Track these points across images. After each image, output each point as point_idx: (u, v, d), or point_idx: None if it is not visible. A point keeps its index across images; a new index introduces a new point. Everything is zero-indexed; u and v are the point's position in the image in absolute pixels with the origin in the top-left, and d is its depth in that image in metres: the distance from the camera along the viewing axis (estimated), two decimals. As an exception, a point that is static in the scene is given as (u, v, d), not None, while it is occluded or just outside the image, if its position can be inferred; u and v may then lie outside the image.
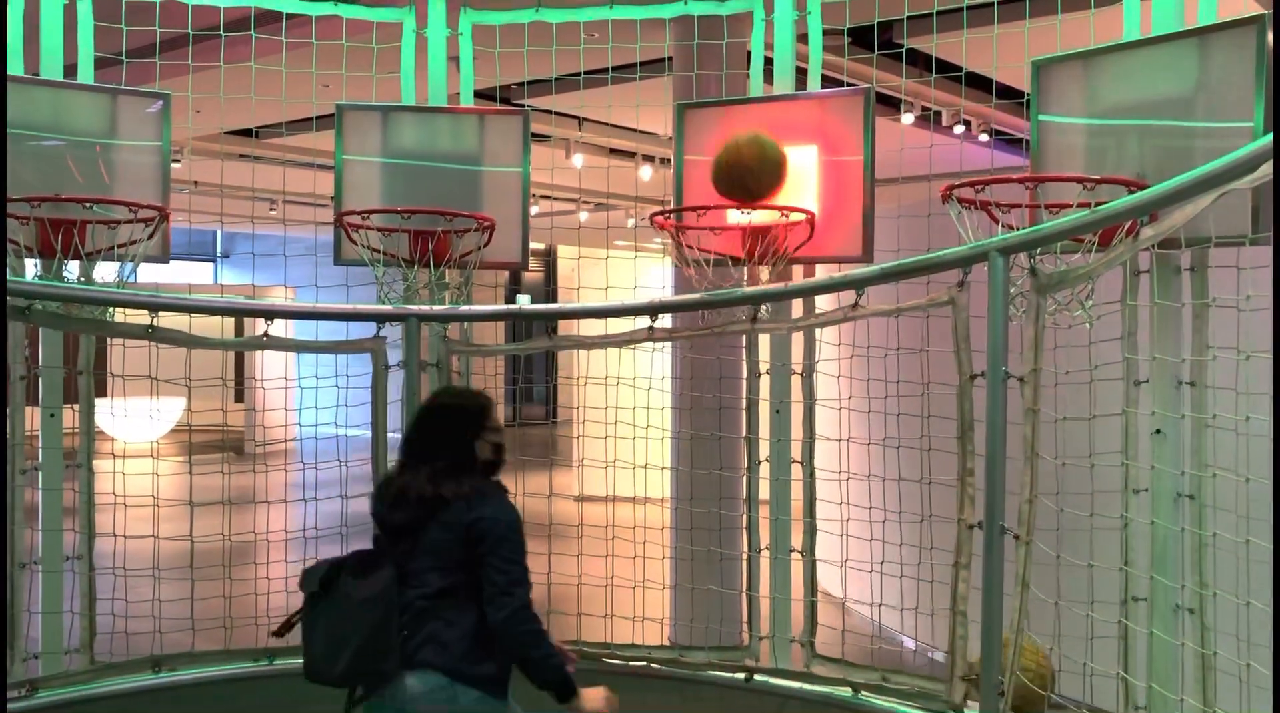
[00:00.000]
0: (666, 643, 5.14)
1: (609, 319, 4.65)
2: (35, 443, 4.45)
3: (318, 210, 6.98)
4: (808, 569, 4.52)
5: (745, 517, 4.65)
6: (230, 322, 11.37)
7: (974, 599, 3.52)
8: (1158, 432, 3.73)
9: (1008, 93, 6.63)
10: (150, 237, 4.38)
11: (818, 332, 4.50)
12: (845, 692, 4.27)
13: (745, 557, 4.65)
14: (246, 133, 10.51)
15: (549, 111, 9.07)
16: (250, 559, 5.17)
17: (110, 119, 4.65)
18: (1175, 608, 3.71)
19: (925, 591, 4.24)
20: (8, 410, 4.28)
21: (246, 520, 5.18)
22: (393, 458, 4.46)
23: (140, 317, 4.24)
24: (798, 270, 4.66)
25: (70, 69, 4.63)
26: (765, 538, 4.61)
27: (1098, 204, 3.25)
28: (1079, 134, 3.98)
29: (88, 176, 4.49)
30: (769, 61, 4.79)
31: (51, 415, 4.43)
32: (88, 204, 4.22)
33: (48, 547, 4.42)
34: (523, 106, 5.69)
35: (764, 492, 4.63)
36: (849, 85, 4.76)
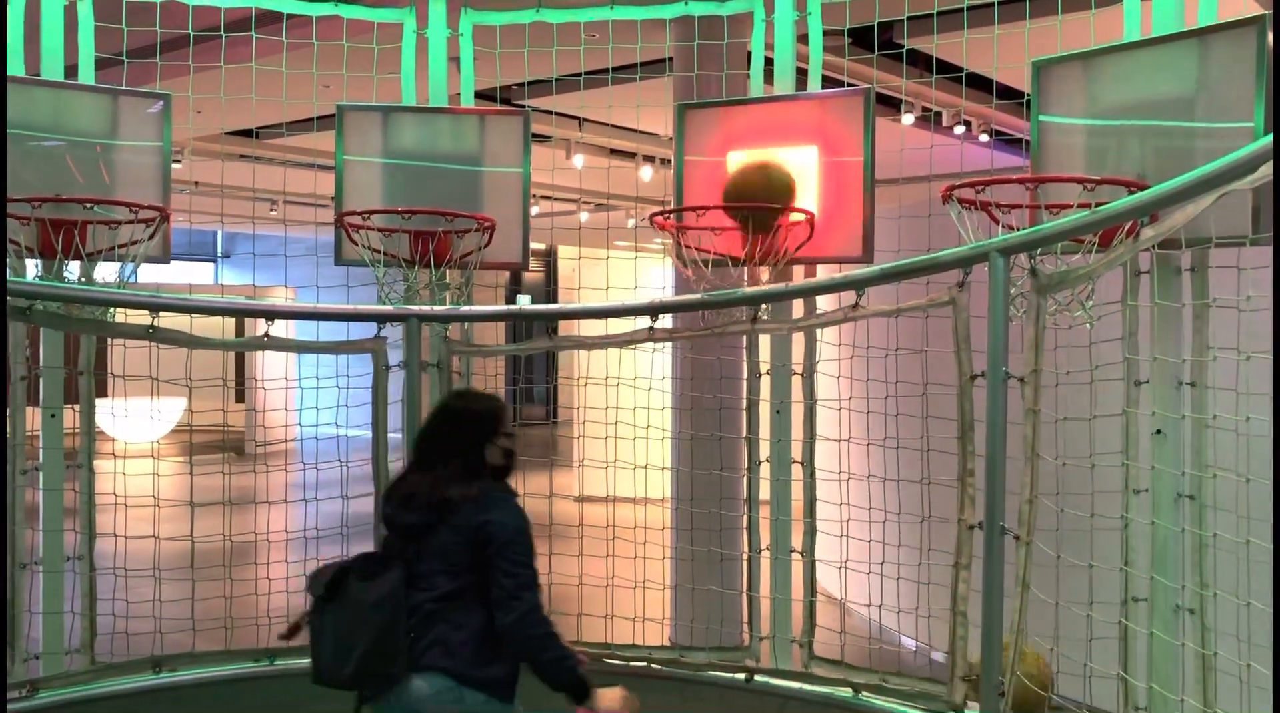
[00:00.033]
0: (667, 643, 5.14)
1: (609, 320, 4.65)
2: (36, 443, 4.46)
3: (318, 211, 6.98)
4: (807, 570, 4.52)
5: (745, 517, 4.65)
6: (231, 322, 11.39)
7: (974, 600, 3.53)
8: (1158, 432, 3.73)
9: (1008, 93, 6.63)
10: (151, 237, 4.38)
11: (818, 332, 4.50)
12: (846, 692, 4.27)
13: (745, 557, 4.65)
14: (247, 133, 10.51)
15: (549, 112, 9.08)
16: (251, 560, 5.17)
17: (111, 119, 4.65)
18: (1175, 608, 3.71)
19: (925, 591, 4.24)
20: (8, 411, 4.28)
21: (247, 521, 5.18)
22: (394, 458, 4.49)
23: (141, 317, 4.24)
24: (798, 271, 4.66)
25: (71, 69, 4.63)
26: (765, 538, 4.61)
27: (1098, 205, 3.25)
28: (1079, 134, 3.98)
29: (88, 177, 4.49)
30: (769, 62, 4.79)
31: (52, 416, 4.43)
32: (88, 204, 4.22)
33: (48, 547, 4.42)
34: (523, 107, 5.69)
35: (764, 492, 4.63)
36: (849, 86, 4.76)
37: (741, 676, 4.48)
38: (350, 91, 5.15)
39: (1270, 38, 3.45)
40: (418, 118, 4.99)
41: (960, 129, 9.95)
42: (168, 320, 4.29)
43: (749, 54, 4.89)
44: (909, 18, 4.83)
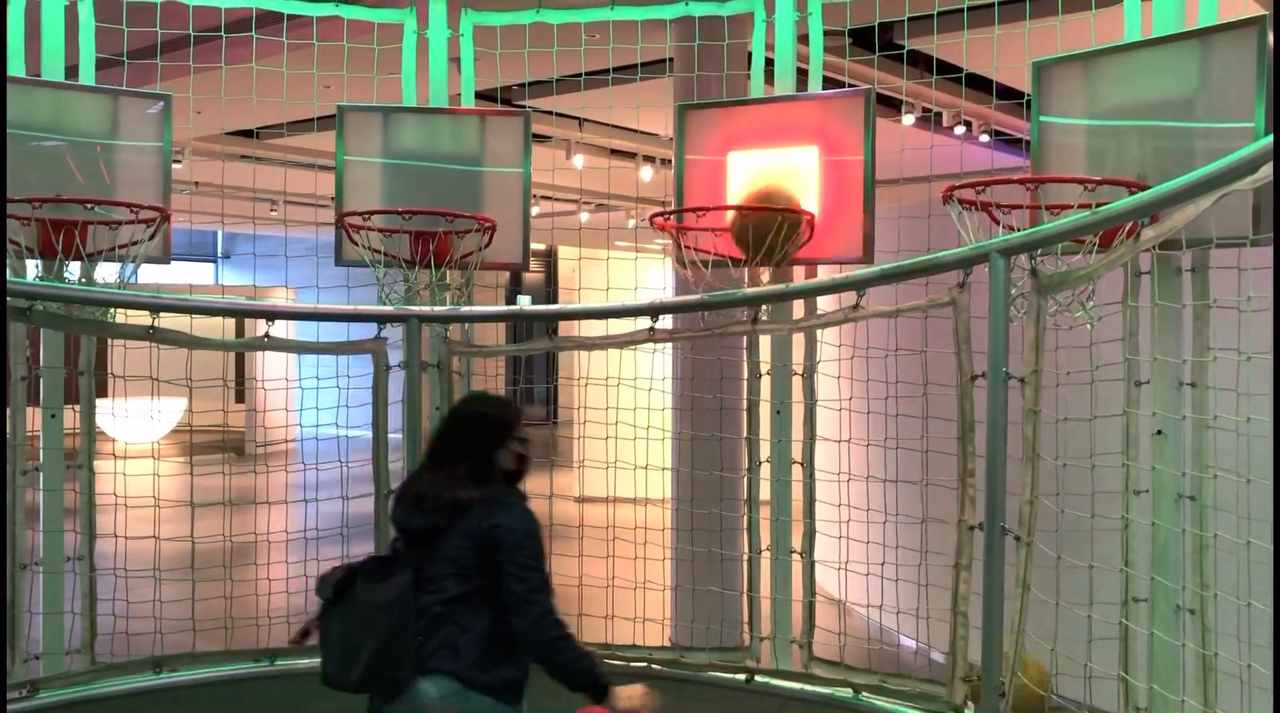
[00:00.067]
0: (667, 644, 5.14)
1: (610, 320, 4.65)
2: (36, 444, 4.46)
3: (319, 211, 6.98)
4: (807, 571, 4.52)
5: (746, 518, 4.65)
6: (231, 322, 11.38)
7: (974, 601, 3.52)
8: (1159, 433, 3.73)
9: (1008, 94, 6.63)
10: (151, 237, 4.38)
11: (818, 333, 4.50)
12: (846, 693, 4.27)
13: (746, 558, 4.65)
14: (248, 133, 10.51)
15: (550, 112, 9.07)
16: (251, 560, 5.17)
17: (111, 120, 4.65)
18: (1176, 609, 3.71)
19: (925, 592, 4.24)
20: (8, 411, 4.28)
21: (247, 521, 5.18)
22: (394, 459, 4.50)
23: (141, 317, 4.24)
24: (798, 271, 4.66)
25: (71, 70, 4.63)
26: (766, 539, 4.61)
27: (1098, 205, 3.25)
28: (1080, 135, 3.98)
29: (89, 177, 4.49)
30: (770, 62, 4.79)
31: (52, 416, 4.43)
32: (89, 205, 4.22)
33: (49, 547, 4.42)
34: (524, 107, 5.69)
35: (764, 493, 4.63)
36: (850, 86, 4.76)
37: (742, 676, 4.48)
38: (351, 92, 5.15)
39: (1270, 38, 3.45)
40: (418, 118, 4.99)
41: (960, 129, 9.94)
42: (168, 321, 4.29)
43: (749, 54, 4.89)
44: (909, 18, 4.83)
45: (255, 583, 4.93)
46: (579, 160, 11.48)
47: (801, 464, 4.53)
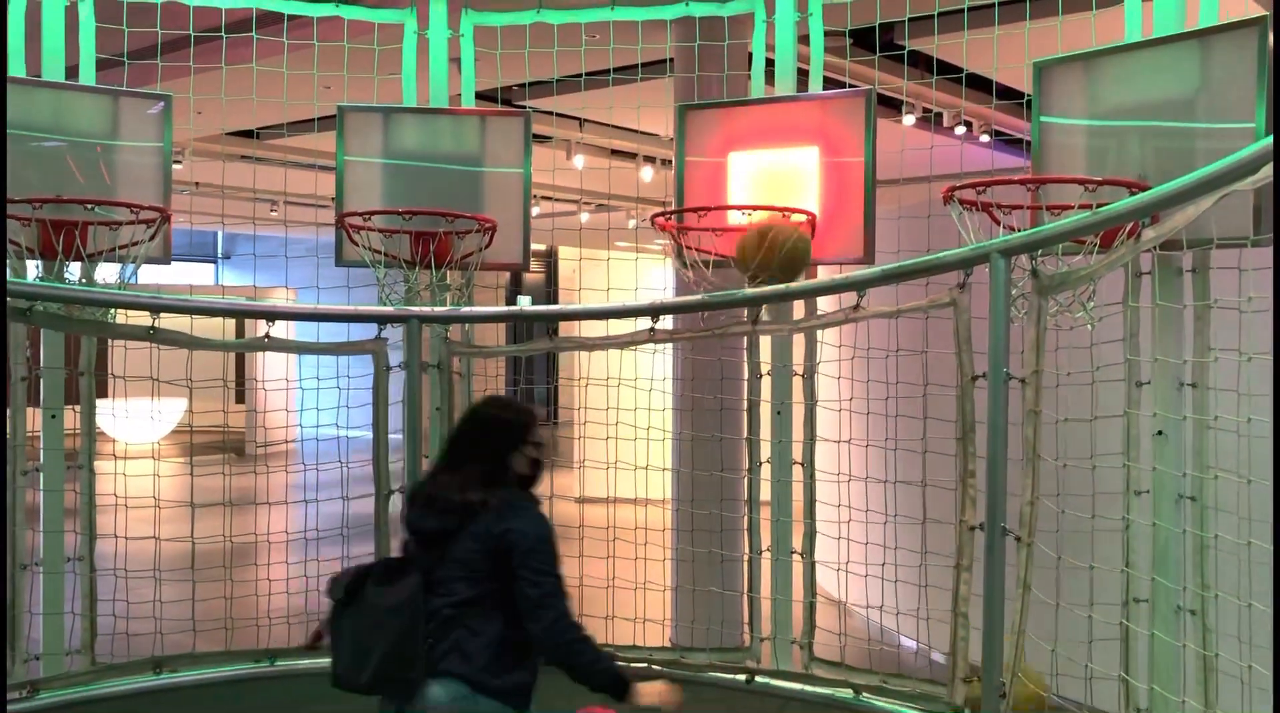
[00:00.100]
0: (667, 645, 5.13)
1: (610, 320, 4.64)
2: (36, 444, 4.46)
3: (319, 211, 6.98)
4: (808, 571, 4.51)
5: (746, 518, 4.65)
6: (231, 323, 11.38)
7: (975, 602, 3.52)
8: (1159, 433, 3.72)
9: (1009, 94, 6.63)
10: (151, 238, 4.38)
11: (819, 333, 4.50)
12: (846, 693, 4.27)
13: (746, 558, 4.65)
14: (248, 134, 10.50)
15: (550, 113, 9.07)
16: (251, 560, 5.17)
17: (112, 120, 4.65)
18: (1177, 610, 3.70)
19: (926, 593, 4.24)
20: (9, 411, 4.28)
21: (247, 522, 5.18)
22: (394, 459, 4.50)
23: (141, 318, 4.24)
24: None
25: (72, 70, 4.63)
26: (766, 540, 4.60)
27: (1099, 205, 3.24)
28: (1080, 135, 3.98)
29: (89, 178, 4.49)
30: (770, 63, 4.79)
31: (53, 417, 4.43)
32: (89, 205, 4.22)
33: (49, 548, 4.42)
34: (524, 108, 5.69)
35: (765, 493, 4.63)
36: (850, 86, 4.76)
37: (742, 677, 4.48)
38: (351, 92, 5.15)
39: (1271, 39, 3.45)
40: (418, 118, 4.99)
41: (961, 130, 9.94)
42: (168, 321, 4.28)
43: (750, 55, 4.89)
44: (910, 19, 4.83)
45: (255, 584, 4.93)
46: (579, 161, 11.48)
47: (802, 465, 4.53)
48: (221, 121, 6.92)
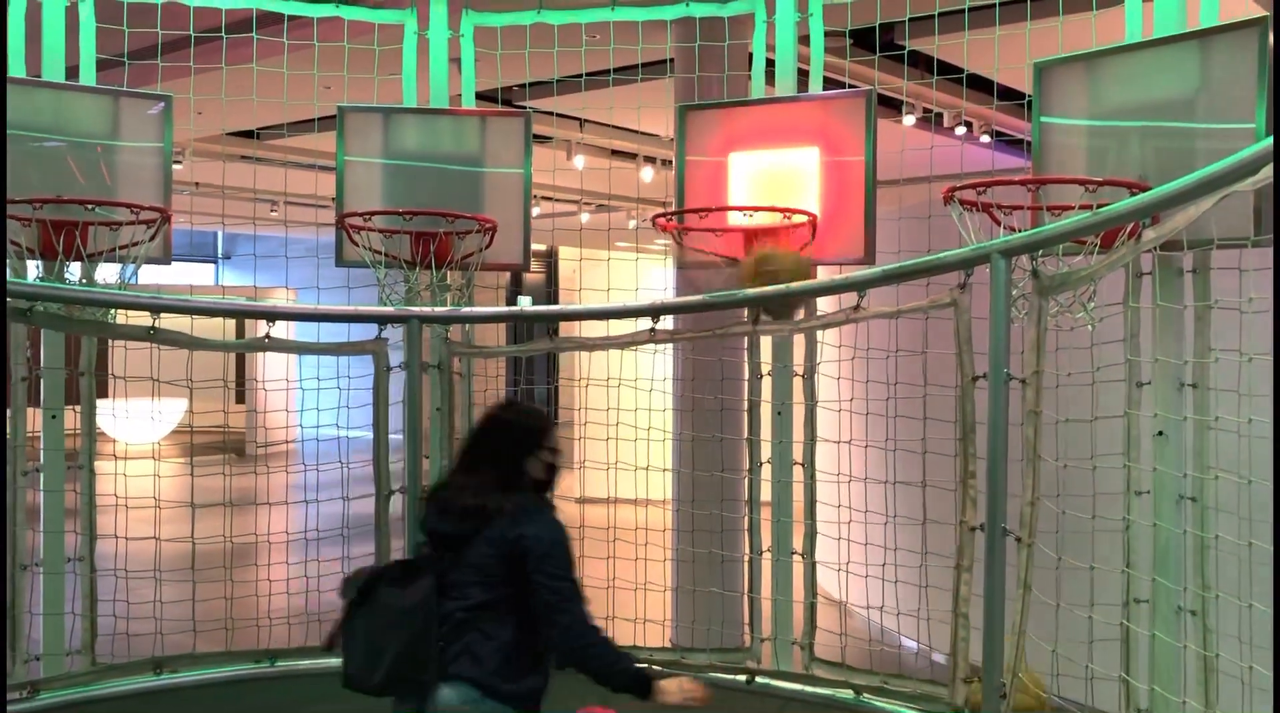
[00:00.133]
0: (668, 645, 5.13)
1: (610, 321, 4.64)
2: (37, 444, 4.46)
3: (319, 212, 6.98)
4: (808, 572, 4.51)
5: (747, 519, 4.65)
6: (232, 323, 11.38)
7: (975, 602, 3.52)
8: (1160, 434, 3.72)
9: (1009, 94, 6.63)
10: (152, 238, 4.38)
11: (819, 333, 4.50)
12: (847, 694, 4.27)
13: (747, 559, 4.65)
14: (248, 134, 10.51)
15: (550, 113, 9.07)
16: (251, 561, 5.17)
17: (112, 121, 4.65)
18: (1177, 610, 3.70)
19: (926, 593, 4.24)
20: (9, 412, 4.28)
21: (248, 522, 5.18)
22: (394, 459, 4.50)
23: (142, 318, 4.24)
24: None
25: (72, 71, 4.63)
26: (767, 540, 4.60)
27: (1100, 206, 3.24)
28: (1081, 136, 3.98)
29: (89, 178, 4.49)
30: (771, 63, 4.79)
31: (53, 417, 4.43)
32: (90, 206, 4.22)
33: (49, 548, 4.42)
34: (524, 108, 5.69)
35: (765, 494, 4.63)
36: (850, 87, 4.76)
37: (743, 677, 4.48)
38: (351, 93, 5.15)
39: (1271, 39, 3.45)
40: (419, 119, 4.99)
41: (961, 130, 9.94)
42: (168, 321, 4.28)
43: (750, 55, 4.89)
44: (910, 19, 4.82)
45: (256, 584, 4.93)
46: (580, 161, 11.48)
47: (802, 465, 4.53)
48: (222, 122, 6.92)
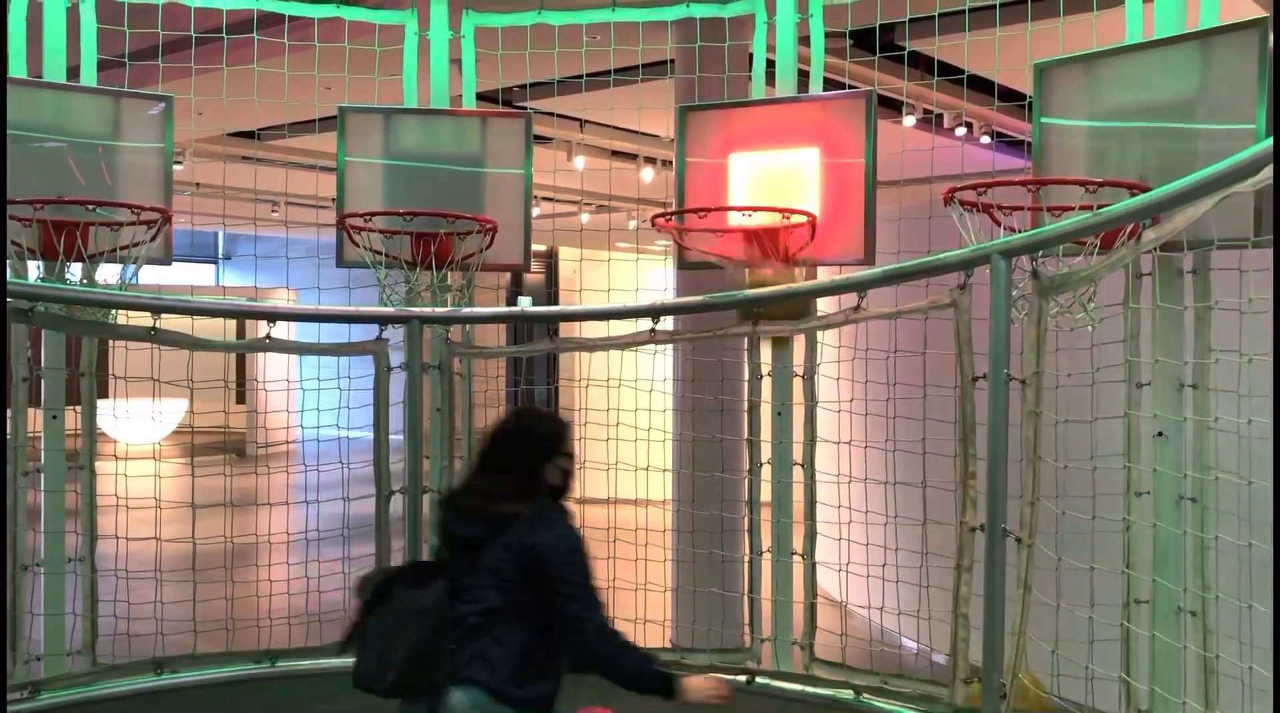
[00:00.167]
0: (668, 646, 5.13)
1: (611, 321, 4.64)
2: (37, 445, 4.46)
3: (320, 212, 6.99)
4: (808, 572, 4.51)
5: (747, 519, 4.65)
6: (232, 323, 11.39)
7: (975, 602, 3.52)
8: (1159, 434, 3.72)
9: (1010, 95, 6.63)
10: (152, 239, 4.38)
11: (819, 334, 4.50)
12: (847, 694, 4.27)
13: (747, 559, 4.65)
14: (249, 135, 10.51)
15: (551, 114, 9.08)
16: (252, 561, 5.17)
17: (113, 121, 4.66)
18: (1177, 611, 3.70)
19: (926, 594, 4.24)
20: (10, 412, 4.28)
21: (248, 522, 5.18)
22: (395, 460, 4.50)
23: (142, 319, 4.25)
24: (799, 273, 4.65)
25: (73, 71, 4.63)
26: (767, 541, 4.60)
27: (1100, 207, 3.25)
28: (1081, 137, 3.98)
29: (90, 179, 4.49)
30: (771, 64, 4.79)
31: (54, 417, 4.43)
32: (90, 206, 4.22)
33: (50, 548, 4.42)
34: (525, 108, 5.70)
35: (765, 494, 4.63)
36: (851, 88, 4.76)
37: (743, 678, 4.48)
38: (352, 93, 5.15)
39: (1271, 40, 3.45)
40: (419, 119, 4.99)
41: (962, 131, 9.94)
42: (169, 322, 4.29)
43: (751, 56, 4.89)
44: (911, 20, 4.82)
45: (256, 584, 4.93)
46: (580, 162, 11.48)
47: (802, 466, 4.53)
48: (222, 122, 6.93)
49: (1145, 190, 3.35)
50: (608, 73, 5.33)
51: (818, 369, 4.53)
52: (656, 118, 5.94)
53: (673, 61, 5.93)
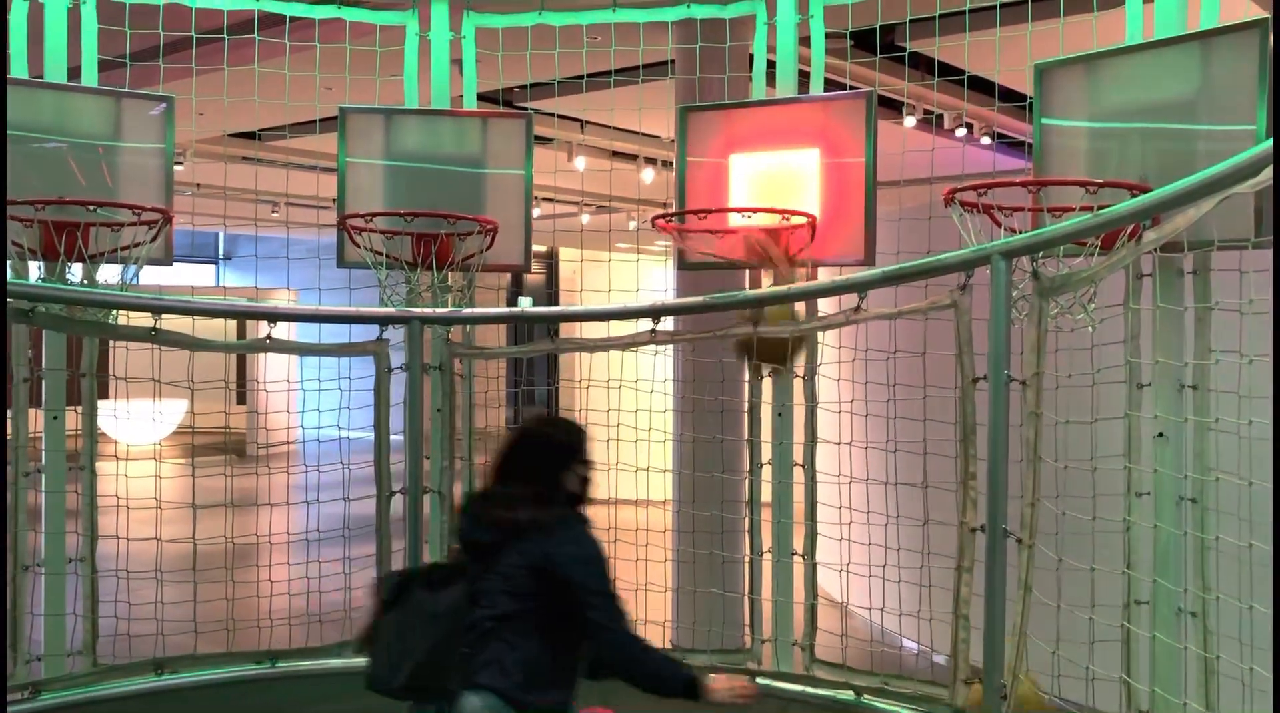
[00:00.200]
0: (668, 646, 5.13)
1: (611, 322, 4.65)
2: (38, 445, 4.46)
3: (321, 213, 6.98)
4: (809, 573, 4.51)
5: (747, 520, 4.65)
6: (233, 324, 11.39)
7: (976, 603, 3.52)
8: (1160, 435, 3.72)
9: (1010, 96, 6.63)
10: (153, 239, 4.39)
11: (819, 335, 4.50)
12: (848, 695, 4.27)
13: (747, 560, 4.65)
14: (249, 135, 10.51)
15: (551, 114, 9.08)
16: (252, 562, 5.17)
17: (114, 122, 4.66)
18: (1178, 611, 3.70)
19: (927, 594, 4.24)
20: (10, 413, 4.28)
21: (249, 523, 5.18)
22: (395, 460, 4.50)
23: (143, 319, 4.25)
24: (799, 274, 4.65)
25: (74, 72, 4.63)
26: (767, 541, 4.60)
27: (1100, 207, 3.25)
28: (1081, 137, 3.98)
29: (91, 179, 4.50)
30: (772, 64, 4.79)
31: (54, 418, 4.43)
32: (91, 207, 4.23)
33: (50, 549, 4.42)
34: (525, 109, 5.70)
35: (766, 495, 4.63)
36: (851, 88, 4.76)
37: (743, 678, 4.47)
38: (353, 94, 5.16)
39: (1271, 41, 3.45)
40: (420, 120, 4.99)
41: (962, 132, 9.93)
42: (170, 322, 4.29)
43: (751, 56, 4.89)
44: (911, 20, 4.83)
45: (257, 585, 4.93)
46: (580, 162, 11.48)
47: (803, 466, 4.53)
48: (223, 123, 6.93)
49: (1145, 191, 3.35)
50: (608, 73, 5.34)
51: (818, 370, 4.53)
52: (657, 118, 5.94)
53: (673, 62, 5.93)
